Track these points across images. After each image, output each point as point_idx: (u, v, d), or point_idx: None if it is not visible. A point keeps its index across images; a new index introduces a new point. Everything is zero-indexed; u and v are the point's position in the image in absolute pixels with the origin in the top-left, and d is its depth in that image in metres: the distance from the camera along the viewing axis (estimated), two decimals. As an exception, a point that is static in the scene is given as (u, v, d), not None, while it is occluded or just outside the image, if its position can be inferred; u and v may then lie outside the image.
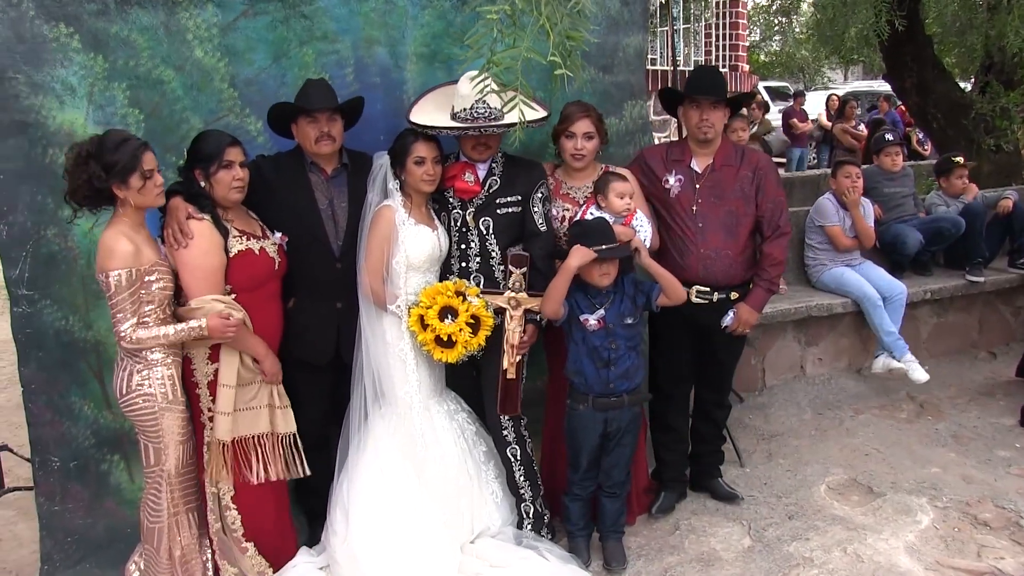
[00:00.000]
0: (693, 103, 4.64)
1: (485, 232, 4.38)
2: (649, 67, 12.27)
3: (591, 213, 4.44)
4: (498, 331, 4.26)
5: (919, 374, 6.32)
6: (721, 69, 17.23)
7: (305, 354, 4.31)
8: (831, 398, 6.61)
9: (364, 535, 4.19)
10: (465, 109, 4.18)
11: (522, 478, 4.53)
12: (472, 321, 4.17)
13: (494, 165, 4.41)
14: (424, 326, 4.16)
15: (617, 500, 4.50)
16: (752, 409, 6.41)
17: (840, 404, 6.53)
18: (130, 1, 4.11)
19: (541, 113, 4.29)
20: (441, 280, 4.34)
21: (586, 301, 4.28)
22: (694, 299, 4.63)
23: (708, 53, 17.73)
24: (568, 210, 4.56)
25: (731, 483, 5.20)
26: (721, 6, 17.75)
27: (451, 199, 4.42)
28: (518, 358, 4.29)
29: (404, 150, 4.22)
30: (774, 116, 17.09)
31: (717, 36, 17.80)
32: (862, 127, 14.91)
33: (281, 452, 4.11)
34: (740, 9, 17.90)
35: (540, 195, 4.42)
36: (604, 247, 4.13)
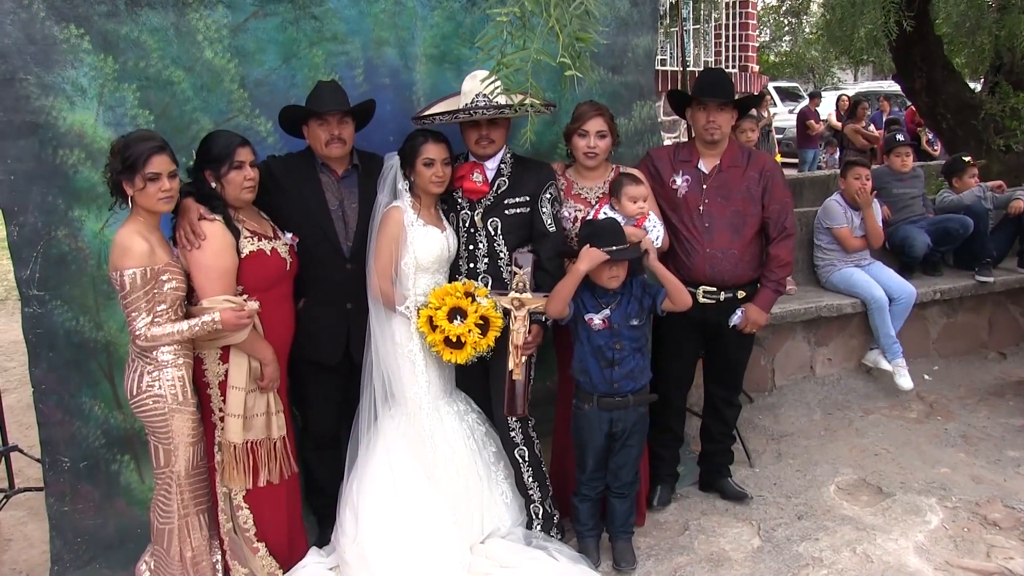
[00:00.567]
0: (700, 105, 4.65)
1: (493, 233, 4.38)
2: (659, 68, 12.26)
3: (604, 213, 4.44)
4: (507, 332, 4.26)
5: (905, 382, 6.40)
6: (731, 70, 17.23)
7: (315, 354, 4.32)
8: (840, 398, 6.60)
9: (374, 535, 4.20)
10: (467, 104, 4.20)
11: (531, 479, 4.53)
12: (481, 322, 4.18)
13: (502, 165, 4.41)
14: (433, 327, 4.16)
15: (626, 500, 4.50)
16: (762, 409, 6.40)
17: (849, 404, 6.52)
18: (140, 2, 4.12)
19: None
20: (450, 281, 4.35)
21: (593, 301, 4.28)
22: (701, 299, 4.64)
23: (718, 54, 17.69)
24: (580, 210, 4.56)
25: (741, 483, 5.20)
26: (731, 7, 17.72)
27: (460, 200, 4.42)
28: (523, 359, 4.28)
29: (414, 151, 4.23)
30: (784, 116, 17.08)
31: (727, 37, 17.76)
32: (872, 128, 14.87)
33: (276, 457, 4.11)
34: (750, 10, 17.87)
35: (549, 195, 4.42)
36: (615, 248, 4.13)
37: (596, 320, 4.26)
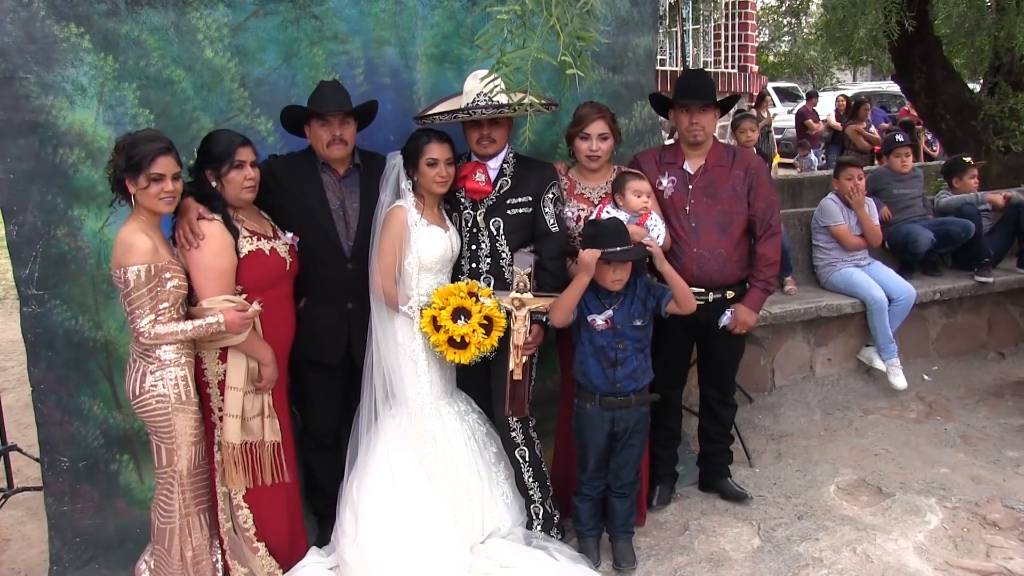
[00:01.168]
0: (683, 107, 4.66)
1: (496, 233, 4.38)
2: (659, 68, 12.27)
3: (607, 212, 4.44)
4: (508, 332, 4.26)
5: (899, 381, 6.44)
6: (730, 70, 17.28)
7: (316, 354, 4.32)
8: (840, 398, 6.60)
9: (374, 535, 4.19)
10: (468, 104, 4.20)
11: (531, 479, 4.53)
12: (485, 322, 4.17)
13: (505, 165, 4.41)
14: (437, 327, 4.16)
15: (627, 500, 4.50)
16: (761, 409, 6.40)
17: (849, 404, 6.52)
18: (140, 1, 4.12)
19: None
20: (453, 281, 4.35)
21: (596, 302, 4.28)
22: None
23: (717, 54, 17.73)
24: (583, 210, 4.56)
25: (740, 483, 5.19)
26: (730, 7, 17.75)
27: (462, 199, 4.42)
28: (524, 359, 4.28)
29: (417, 151, 4.23)
30: (784, 117, 17.09)
31: (726, 37, 17.80)
32: (872, 129, 14.86)
33: (269, 460, 4.09)
34: (749, 10, 17.91)
35: (551, 195, 4.42)
36: (619, 249, 4.12)
37: (599, 321, 4.26)
